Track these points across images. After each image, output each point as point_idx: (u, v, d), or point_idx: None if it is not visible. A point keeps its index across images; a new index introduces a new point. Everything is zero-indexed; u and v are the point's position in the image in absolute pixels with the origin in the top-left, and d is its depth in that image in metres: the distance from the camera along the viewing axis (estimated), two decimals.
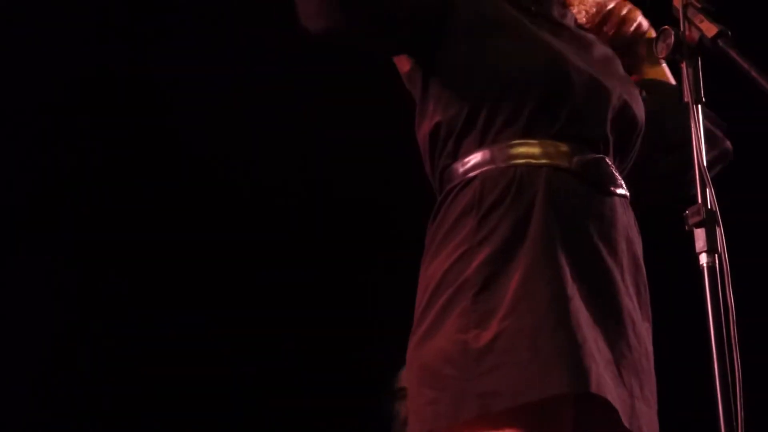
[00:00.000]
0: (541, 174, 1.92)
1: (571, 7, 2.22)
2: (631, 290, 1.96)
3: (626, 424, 1.85)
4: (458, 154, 1.98)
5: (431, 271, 1.94)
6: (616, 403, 1.82)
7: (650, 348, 1.97)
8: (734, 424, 1.71)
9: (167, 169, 4.21)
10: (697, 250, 1.76)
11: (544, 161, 1.93)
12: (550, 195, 1.91)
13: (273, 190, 4.27)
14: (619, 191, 2.00)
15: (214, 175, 4.28)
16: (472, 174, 1.95)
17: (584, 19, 2.22)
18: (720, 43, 1.82)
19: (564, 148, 1.95)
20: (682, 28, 1.86)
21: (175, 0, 4.08)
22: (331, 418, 4.31)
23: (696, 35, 1.85)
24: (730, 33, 1.83)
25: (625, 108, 2.02)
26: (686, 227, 1.79)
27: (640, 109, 2.07)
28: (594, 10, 2.22)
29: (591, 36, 2.17)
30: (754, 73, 1.77)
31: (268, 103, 4.13)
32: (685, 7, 1.86)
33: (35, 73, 4.01)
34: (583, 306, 1.86)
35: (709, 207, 1.76)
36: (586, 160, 1.96)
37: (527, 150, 1.94)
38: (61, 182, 4.13)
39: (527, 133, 1.95)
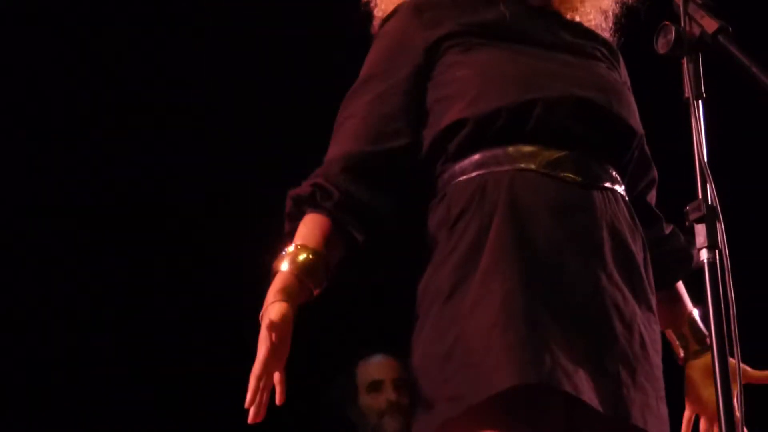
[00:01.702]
0: (504, 178, 1.97)
1: (574, 13, 2.23)
2: (618, 279, 1.96)
3: (603, 411, 1.85)
4: (439, 172, 2.04)
5: (419, 287, 2.00)
6: (584, 394, 1.83)
7: (649, 335, 1.97)
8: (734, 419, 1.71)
9: None
10: (698, 245, 1.76)
11: (507, 166, 1.98)
12: (511, 197, 1.94)
13: None
14: (603, 184, 2.02)
15: None
16: (445, 188, 2.02)
17: (593, 23, 2.26)
18: (720, 38, 1.82)
19: (529, 149, 1.99)
20: (682, 24, 1.86)
21: None
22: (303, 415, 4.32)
23: (697, 31, 1.84)
24: (730, 29, 1.83)
25: (598, 107, 2.04)
26: (687, 223, 1.79)
27: (618, 107, 2.07)
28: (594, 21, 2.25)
29: (588, 46, 2.19)
30: (754, 69, 1.77)
31: None
32: (685, 2, 1.86)
33: None
34: (545, 302, 1.87)
35: (709, 202, 1.76)
36: (553, 158, 1.99)
37: (491, 157, 1.99)
38: None
39: (494, 143, 1.99)
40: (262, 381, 1.82)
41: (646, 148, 2.24)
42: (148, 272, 4.29)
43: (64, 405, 4.17)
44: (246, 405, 1.82)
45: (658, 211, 2.24)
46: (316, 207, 1.98)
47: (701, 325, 2.20)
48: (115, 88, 4.17)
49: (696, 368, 2.17)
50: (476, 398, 1.83)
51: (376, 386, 4.00)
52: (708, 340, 2.18)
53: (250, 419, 1.83)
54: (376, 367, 4.03)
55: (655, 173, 2.24)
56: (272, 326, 1.82)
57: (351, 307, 4.15)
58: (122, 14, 4.08)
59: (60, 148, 4.16)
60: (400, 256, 2.07)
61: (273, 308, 1.86)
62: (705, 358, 2.17)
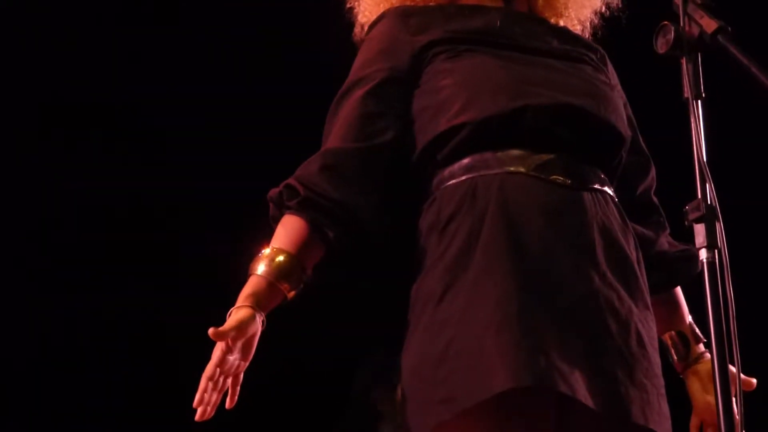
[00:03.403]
0: (494, 181, 1.97)
1: (559, 18, 2.26)
2: (612, 279, 1.96)
3: (600, 410, 1.85)
4: (428, 177, 2.05)
5: (411, 290, 2.00)
6: (580, 394, 1.83)
7: (646, 333, 1.97)
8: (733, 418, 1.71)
9: None
10: (697, 245, 1.76)
11: (497, 170, 1.98)
12: (502, 200, 1.95)
13: None
14: (593, 186, 2.03)
15: None
16: (435, 192, 2.02)
17: (577, 27, 2.30)
18: (720, 38, 1.82)
19: (518, 152, 2.00)
20: (681, 24, 1.86)
21: None
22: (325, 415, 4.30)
23: (696, 31, 1.84)
24: (729, 28, 1.83)
25: (586, 114, 2.05)
26: (686, 223, 1.79)
27: (606, 112, 2.08)
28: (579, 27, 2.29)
29: (575, 51, 2.20)
30: (753, 69, 1.77)
31: None
32: (685, 2, 1.86)
33: None
34: (539, 303, 1.87)
35: (708, 202, 1.76)
36: (542, 161, 2.00)
37: (481, 161, 2.00)
38: None
39: (484, 148, 2.00)
40: (212, 382, 1.84)
41: (645, 149, 2.25)
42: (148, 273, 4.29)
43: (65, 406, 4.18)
44: (194, 405, 1.85)
45: (662, 211, 2.25)
46: (283, 207, 2.00)
47: (698, 330, 2.20)
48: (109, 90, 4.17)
49: (700, 374, 2.18)
50: (470, 401, 1.82)
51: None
52: (703, 344, 2.19)
53: (197, 417, 1.85)
54: None
55: (654, 173, 2.25)
56: (228, 331, 1.84)
57: (346, 310, 4.14)
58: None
59: (56, 150, 4.15)
60: (392, 260, 2.07)
61: (236, 313, 1.89)
62: (706, 365, 2.18)
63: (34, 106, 4.11)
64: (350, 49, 2.28)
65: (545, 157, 2.00)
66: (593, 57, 2.21)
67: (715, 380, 1.70)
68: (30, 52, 4.04)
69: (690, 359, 2.19)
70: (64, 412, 4.19)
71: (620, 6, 2.32)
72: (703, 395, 2.16)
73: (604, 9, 2.33)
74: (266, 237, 2.01)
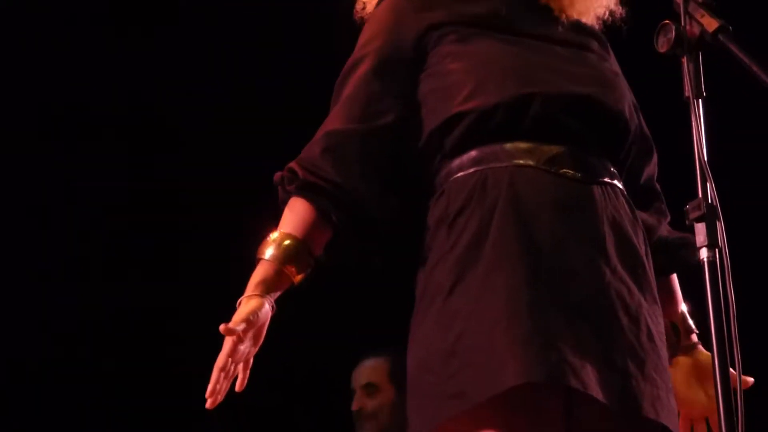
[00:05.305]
0: (504, 174, 1.96)
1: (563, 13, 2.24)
2: (622, 272, 1.95)
3: (612, 405, 1.84)
4: (436, 169, 2.04)
5: (419, 284, 1.99)
6: (591, 389, 1.82)
7: (655, 327, 1.97)
8: (734, 418, 1.71)
9: None
10: (698, 244, 1.76)
11: (506, 162, 1.97)
12: (512, 193, 1.94)
13: None
14: (602, 179, 2.02)
15: None
16: (444, 185, 2.01)
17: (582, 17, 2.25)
18: (721, 37, 1.82)
19: (526, 145, 1.99)
20: (682, 23, 1.86)
21: None
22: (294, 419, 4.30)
23: (697, 30, 1.84)
24: (730, 27, 1.82)
25: (595, 103, 2.04)
26: (687, 222, 1.79)
27: (614, 102, 2.07)
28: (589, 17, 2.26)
29: (580, 38, 2.18)
30: (754, 68, 1.77)
31: None
32: (686, 1, 1.86)
33: None
34: (549, 297, 1.87)
35: (709, 201, 1.76)
36: (552, 154, 1.98)
37: (490, 154, 1.98)
38: None
39: (491, 140, 1.99)
40: (223, 372, 1.87)
41: (648, 133, 2.23)
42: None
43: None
44: (206, 395, 1.87)
45: (663, 197, 2.24)
46: (284, 191, 2.01)
47: (690, 321, 2.20)
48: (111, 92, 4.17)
49: (683, 366, 2.17)
50: (481, 396, 1.82)
51: (353, 396, 4.07)
52: (695, 335, 2.19)
53: (207, 405, 1.87)
54: (355, 375, 4.10)
55: (656, 159, 2.24)
56: (239, 325, 1.86)
57: (351, 306, 4.15)
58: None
59: (59, 149, 4.16)
60: (399, 253, 2.07)
61: (246, 303, 1.91)
62: (693, 357, 2.17)
63: (35, 106, 4.12)
64: (352, 36, 2.27)
65: (554, 149, 1.99)
66: (597, 45, 2.20)
67: (716, 380, 1.70)
68: (31, 52, 4.04)
69: (678, 347, 2.18)
70: (68, 411, 4.21)
71: (623, 15, 2.29)
72: (683, 388, 2.14)
73: (607, 14, 2.30)
74: (273, 226, 2.02)
